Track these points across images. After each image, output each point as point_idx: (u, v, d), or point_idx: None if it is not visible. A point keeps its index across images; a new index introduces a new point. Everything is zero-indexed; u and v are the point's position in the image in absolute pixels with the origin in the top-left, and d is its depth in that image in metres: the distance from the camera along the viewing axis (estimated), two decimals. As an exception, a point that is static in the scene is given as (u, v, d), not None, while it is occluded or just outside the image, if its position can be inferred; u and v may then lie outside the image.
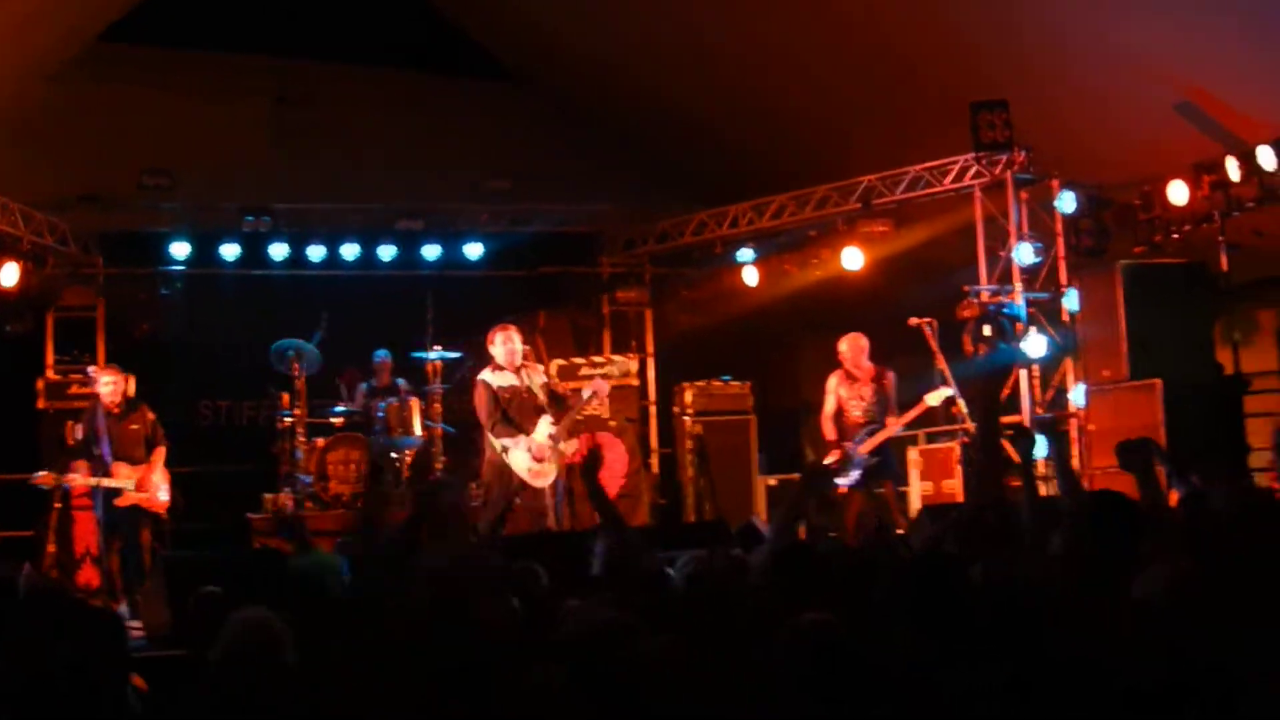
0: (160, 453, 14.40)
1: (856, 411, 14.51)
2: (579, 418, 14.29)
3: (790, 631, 4.33)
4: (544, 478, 13.52)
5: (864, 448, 14.28)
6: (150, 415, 14.58)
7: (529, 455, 13.38)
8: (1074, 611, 4.49)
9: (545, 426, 13.47)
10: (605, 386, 14.52)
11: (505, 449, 13.43)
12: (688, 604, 5.49)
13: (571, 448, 13.73)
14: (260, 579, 9.85)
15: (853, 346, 14.72)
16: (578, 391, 14.13)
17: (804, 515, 5.85)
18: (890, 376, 14.67)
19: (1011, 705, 4.07)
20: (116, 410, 14.20)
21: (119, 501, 13.82)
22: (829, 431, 14.73)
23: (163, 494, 14.22)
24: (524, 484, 13.45)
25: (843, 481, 14.29)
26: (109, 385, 14.23)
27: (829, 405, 14.74)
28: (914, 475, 16.40)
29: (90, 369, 15.07)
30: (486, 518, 13.45)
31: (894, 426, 14.50)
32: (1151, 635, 4.26)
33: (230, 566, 10.93)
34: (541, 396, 13.62)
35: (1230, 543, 4.85)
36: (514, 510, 13.67)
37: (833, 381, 14.78)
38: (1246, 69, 13.88)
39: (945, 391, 14.40)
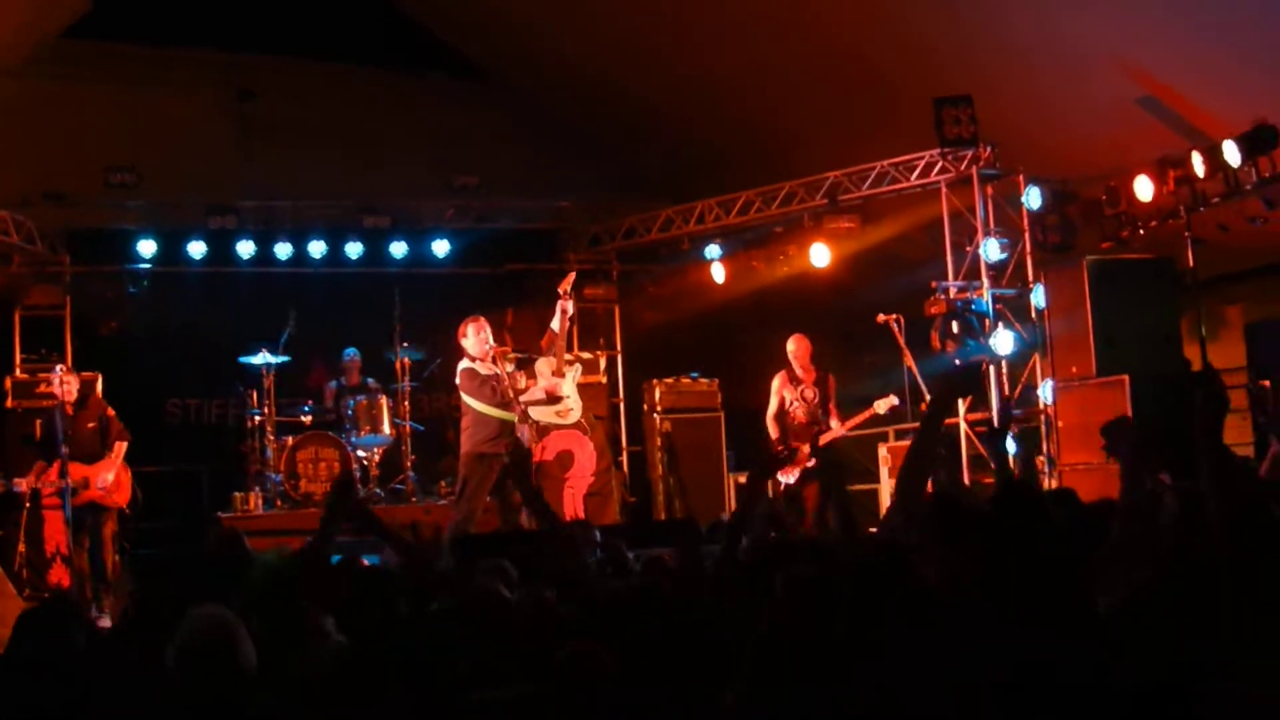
0: (120, 448, 14.61)
1: (800, 412, 14.64)
2: (568, 354, 14.40)
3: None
4: (572, 413, 14.16)
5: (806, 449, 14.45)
6: (109, 412, 14.77)
7: (547, 398, 13.62)
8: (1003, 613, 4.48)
9: (545, 369, 13.67)
10: (570, 305, 14.48)
11: (524, 410, 13.73)
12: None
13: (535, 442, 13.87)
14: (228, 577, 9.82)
15: (800, 346, 14.86)
16: (550, 330, 14.23)
17: (760, 506, 5.85)
18: (832, 380, 14.84)
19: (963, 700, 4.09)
20: (70, 410, 14.33)
21: (75, 500, 13.89)
22: (773, 431, 14.89)
23: (115, 488, 14.41)
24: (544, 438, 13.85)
25: (785, 479, 14.45)
26: (62, 384, 14.47)
27: (772, 405, 14.94)
28: (884, 472, 16.44)
29: (59, 368, 15.06)
30: (457, 515, 13.44)
31: (840, 429, 14.62)
32: (1108, 645, 4.27)
33: (199, 564, 10.89)
34: (520, 376, 13.78)
35: (1223, 552, 4.81)
36: (487, 509, 13.72)
37: (777, 382, 14.93)
38: (1209, 64, 13.94)
39: (893, 400, 14.45)
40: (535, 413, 13.93)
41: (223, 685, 4.56)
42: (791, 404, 14.69)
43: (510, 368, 13.80)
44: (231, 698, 4.51)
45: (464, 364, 13.79)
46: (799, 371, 14.78)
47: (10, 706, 4.84)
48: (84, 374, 16.21)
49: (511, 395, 13.55)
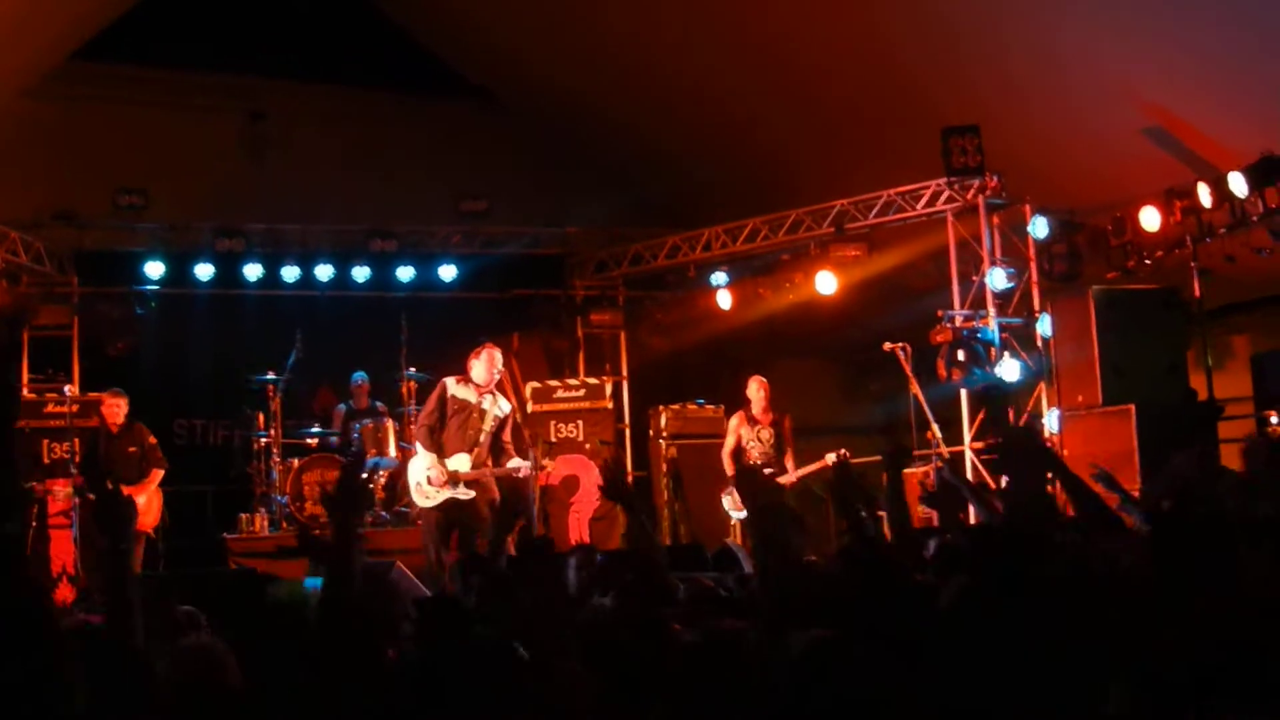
0: (156, 475, 15.00)
1: (755, 452, 15.00)
2: (486, 472, 13.95)
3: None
4: (426, 500, 13.41)
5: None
6: (151, 439, 15.24)
7: (425, 475, 13.36)
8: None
9: (463, 463, 13.36)
10: (529, 471, 14.20)
11: (414, 451, 13.64)
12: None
13: (517, 465, 13.69)
14: (237, 600, 9.85)
15: (760, 389, 15.32)
16: (510, 455, 13.86)
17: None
18: (788, 423, 15.13)
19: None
20: (115, 431, 14.77)
21: None
22: (729, 468, 15.30)
23: (149, 515, 14.60)
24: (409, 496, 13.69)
25: (736, 515, 14.73)
26: (114, 408, 15.04)
27: (729, 443, 15.44)
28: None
29: (110, 392, 15.33)
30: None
31: (792, 476, 14.97)
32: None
33: (207, 586, 10.94)
34: (488, 428, 13.53)
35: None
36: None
37: (734, 421, 15.45)
38: (1216, 96, 13.97)
39: (843, 451, 14.37)
40: (411, 466, 13.70)
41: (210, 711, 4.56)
42: (748, 443, 15.18)
43: (499, 412, 13.64)
44: None
45: (448, 378, 13.68)
46: (757, 413, 15.24)
47: None
48: (91, 394, 16.27)
49: (468, 432, 13.42)
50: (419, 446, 13.56)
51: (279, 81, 20.67)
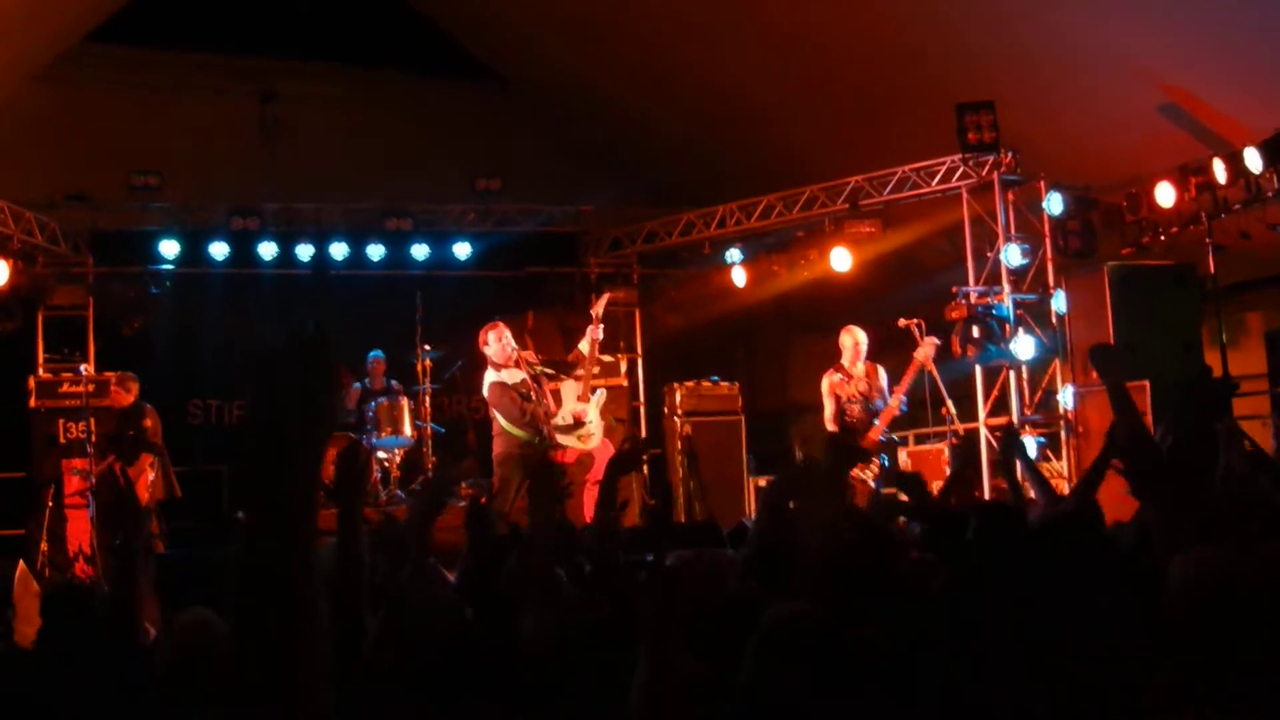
0: (145, 458, 15.14)
1: (855, 409, 14.35)
2: (595, 370, 14.56)
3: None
4: (593, 438, 14.20)
5: (875, 432, 14.15)
6: (147, 422, 15.40)
7: (572, 422, 13.69)
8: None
9: (571, 393, 13.73)
10: (599, 331, 14.54)
11: (546, 436, 13.90)
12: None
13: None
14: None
15: (849, 336, 14.52)
16: (579, 350, 14.33)
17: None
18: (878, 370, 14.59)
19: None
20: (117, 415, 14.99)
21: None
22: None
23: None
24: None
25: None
26: (120, 394, 15.35)
27: (829, 408, 14.47)
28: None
29: (81, 367, 15.34)
30: (498, 505, 13.49)
31: (878, 427, 14.44)
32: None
33: (224, 565, 10.95)
34: (547, 378, 13.89)
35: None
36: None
37: (826, 384, 14.51)
38: (1231, 72, 13.93)
39: (934, 340, 14.24)
40: (559, 436, 14.02)
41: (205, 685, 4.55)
42: (849, 402, 14.33)
43: (538, 367, 13.93)
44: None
45: (490, 376, 13.90)
46: (847, 363, 14.45)
47: (44, 692, 4.85)
48: (106, 374, 16.34)
49: (541, 410, 13.71)
50: (548, 419, 14.01)
51: (291, 63, 20.68)
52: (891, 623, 4.44)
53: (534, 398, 13.83)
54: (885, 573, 5.08)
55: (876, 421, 14.06)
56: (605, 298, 14.81)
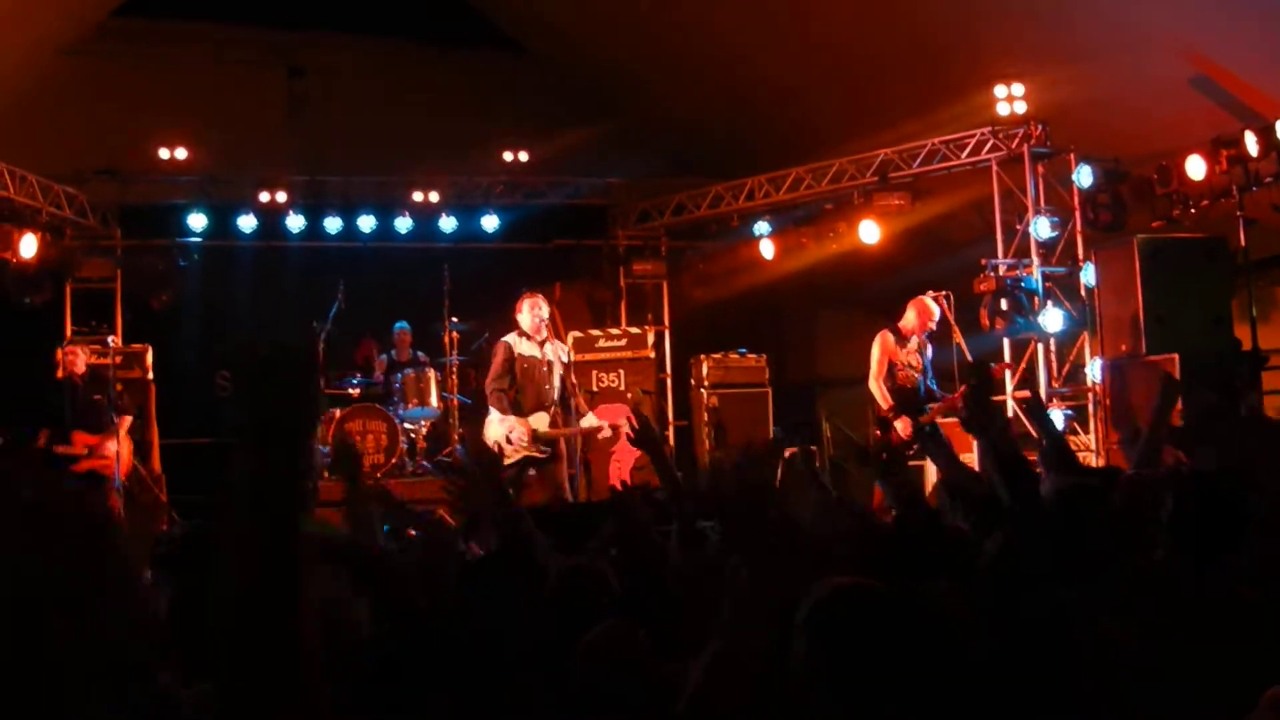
0: (124, 421, 14.95)
1: (900, 376, 14.22)
2: (567, 432, 14.04)
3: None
4: (505, 460, 13.33)
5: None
6: (119, 386, 15.25)
7: (504, 436, 13.42)
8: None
9: (542, 421, 13.51)
10: (608, 433, 14.38)
11: (493, 417, 13.56)
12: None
13: (596, 424, 13.84)
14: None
15: (912, 305, 14.40)
16: (583, 411, 14.10)
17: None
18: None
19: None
20: (78, 382, 14.81)
21: (76, 468, 14.23)
22: (883, 399, 14.16)
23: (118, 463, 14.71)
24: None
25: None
26: (74, 356, 15.03)
27: (879, 369, 14.20)
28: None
29: (109, 339, 15.35)
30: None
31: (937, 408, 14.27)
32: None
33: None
34: (558, 374, 13.72)
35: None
36: (528, 481, 13.73)
37: (877, 349, 14.26)
38: (1263, 44, 13.84)
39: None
40: (489, 429, 13.72)
41: None
42: (902, 367, 14.14)
43: (563, 356, 13.87)
44: None
45: (508, 336, 13.80)
46: (905, 327, 14.29)
47: None
48: (134, 346, 16.40)
49: (542, 385, 13.58)
50: (493, 411, 13.60)
51: (319, 34, 20.67)
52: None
53: (535, 379, 13.69)
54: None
55: (929, 396, 14.06)
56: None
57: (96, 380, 15.07)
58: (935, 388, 14.25)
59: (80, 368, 14.99)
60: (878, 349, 14.20)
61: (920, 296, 14.38)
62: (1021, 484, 4.91)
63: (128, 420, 15.08)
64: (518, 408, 13.56)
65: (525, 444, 13.42)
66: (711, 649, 3.69)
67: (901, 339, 14.21)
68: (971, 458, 13.52)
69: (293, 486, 2.47)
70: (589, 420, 13.91)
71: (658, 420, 18.40)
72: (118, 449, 14.75)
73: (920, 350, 14.27)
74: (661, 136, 21.02)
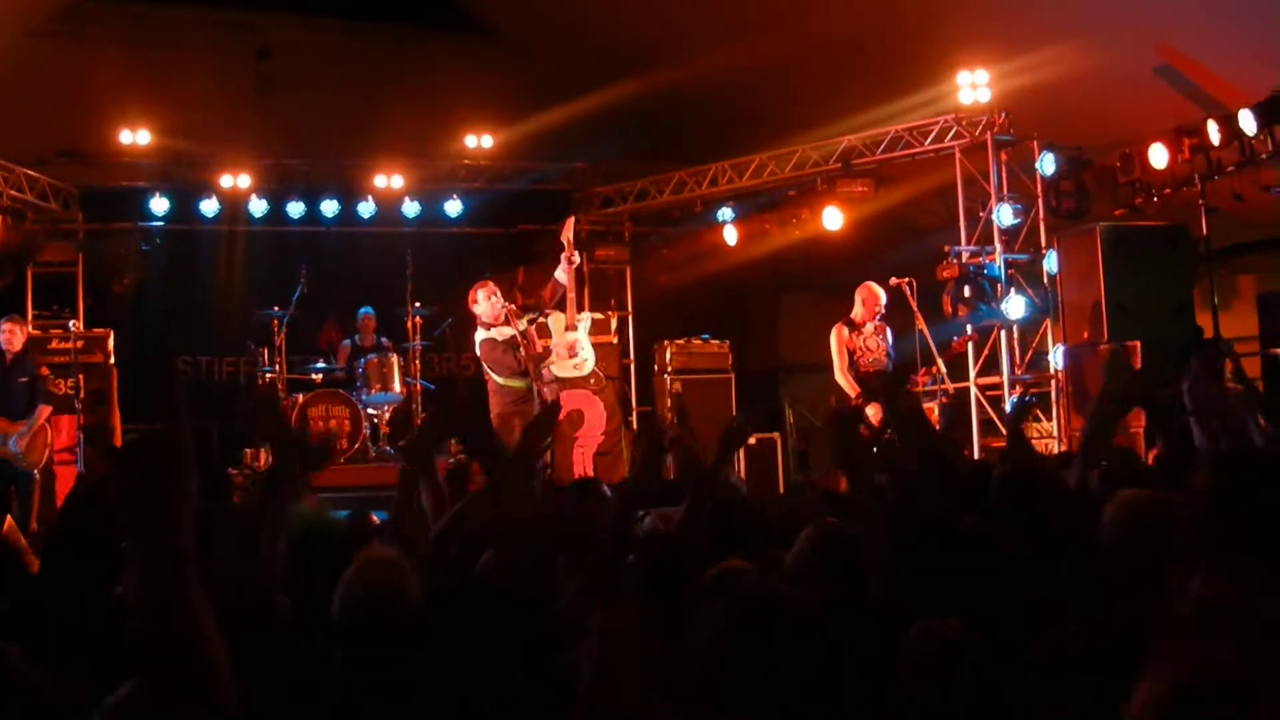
0: (43, 411, 14.61)
1: (865, 360, 14.29)
2: (573, 297, 14.71)
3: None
4: (587, 364, 14.62)
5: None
6: (43, 370, 14.90)
7: (566, 356, 13.81)
8: None
9: (559, 325, 13.84)
10: (573, 254, 14.66)
11: (542, 373, 14.08)
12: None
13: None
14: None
15: (860, 291, 14.51)
16: (555, 280, 14.40)
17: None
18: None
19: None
20: (8, 361, 14.48)
21: None
22: (850, 388, 14.33)
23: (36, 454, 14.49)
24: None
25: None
26: (10, 334, 14.61)
27: (840, 362, 14.41)
28: (893, 435, 16.38)
29: (70, 324, 15.20)
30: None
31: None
32: None
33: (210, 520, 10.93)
34: (534, 332, 13.95)
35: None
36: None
37: (834, 339, 14.47)
38: (1225, 34, 13.90)
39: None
40: (555, 368, 14.11)
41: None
42: (859, 354, 14.31)
43: (524, 324, 13.96)
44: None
45: (480, 334, 13.99)
46: (857, 316, 14.45)
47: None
48: (95, 330, 16.32)
49: (531, 361, 13.76)
50: (537, 363, 14.14)
51: (283, 17, 20.55)
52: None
53: (524, 350, 13.91)
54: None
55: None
56: (569, 221, 14.82)
57: (24, 363, 14.66)
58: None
59: (16, 346, 14.59)
60: (835, 342, 14.38)
61: (865, 283, 14.48)
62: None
63: (47, 410, 14.68)
64: (532, 367, 14.01)
65: (578, 345, 14.32)
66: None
67: (855, 328, 14.32)
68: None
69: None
70: (558, 275, 14.49)
71: (621, 406, 18.41)
72: (30, 439, 14.42)
73: (878, 334, 14.33)
74: (625, 122, 20.96)
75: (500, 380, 13.95)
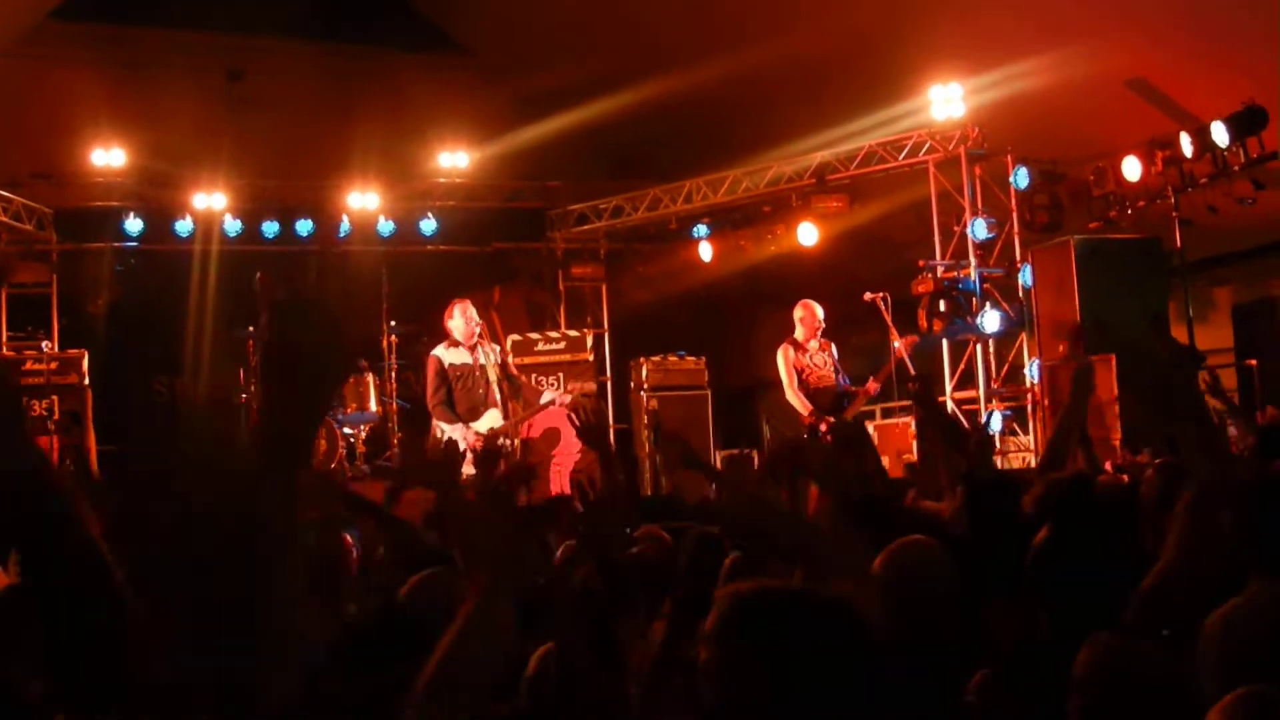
0: None
1: (814, 378, 14.31)
2: (523, 414, 14.16)
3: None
4: (557, 399, 14.05)
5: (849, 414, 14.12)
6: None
7: (464, 444, 13.33)
8: None
9: (495, 418, 13.47)
10: (567, 399, 14.45)
11: (443, 433, 13.44)
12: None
13: (553, 397, 13.94)
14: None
15: (803, 308, 14.44)
16: (537, 391, 14.24)
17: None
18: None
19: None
20: None
21: None
22: (802, 406, 14.24)
23: None
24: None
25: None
26: None
27: (790, 380, 14.26)
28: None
29: (44, 345, 15.10)
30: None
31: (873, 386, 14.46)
32: None
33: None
34: (494, 376, 13.61)
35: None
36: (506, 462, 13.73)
37: (782, 359, 14.36)
38: (1197, 47, 13.95)
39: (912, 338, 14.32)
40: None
41: None
42: (807, 373, 14.32)
43: (495, 358, 13.77)
44: None
45: (436, 349, 13.68)
46: (801, 337, 14.36)
47: None
48: (70, 351, 16.27)
49: (479, 390, 13.51)
50: (441, 425, 13.49)
51: (257, 38, 20.51)
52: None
53: (468, 386, 13.60)
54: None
55: (845, 394, 14.11)
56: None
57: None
58: (849, 384, 14.29)
59: None
60: (781, 362, 14.33)
61: (801, 301, 14.47)
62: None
63: None
64: (462, 418, 13.52)
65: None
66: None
67: (800, 347, 14.30)
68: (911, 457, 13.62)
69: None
70: (547, 396, 14.22)
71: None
72: None
73: (824, 351, 14.34)
74: (600, 140, 20.98)
75: (430, 405, 13.71)
